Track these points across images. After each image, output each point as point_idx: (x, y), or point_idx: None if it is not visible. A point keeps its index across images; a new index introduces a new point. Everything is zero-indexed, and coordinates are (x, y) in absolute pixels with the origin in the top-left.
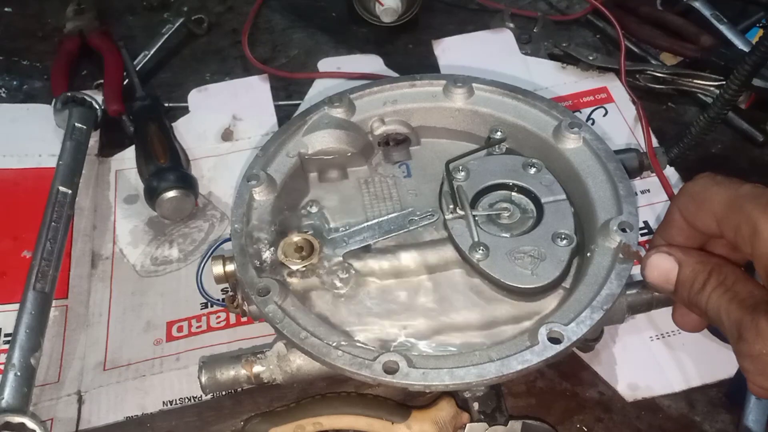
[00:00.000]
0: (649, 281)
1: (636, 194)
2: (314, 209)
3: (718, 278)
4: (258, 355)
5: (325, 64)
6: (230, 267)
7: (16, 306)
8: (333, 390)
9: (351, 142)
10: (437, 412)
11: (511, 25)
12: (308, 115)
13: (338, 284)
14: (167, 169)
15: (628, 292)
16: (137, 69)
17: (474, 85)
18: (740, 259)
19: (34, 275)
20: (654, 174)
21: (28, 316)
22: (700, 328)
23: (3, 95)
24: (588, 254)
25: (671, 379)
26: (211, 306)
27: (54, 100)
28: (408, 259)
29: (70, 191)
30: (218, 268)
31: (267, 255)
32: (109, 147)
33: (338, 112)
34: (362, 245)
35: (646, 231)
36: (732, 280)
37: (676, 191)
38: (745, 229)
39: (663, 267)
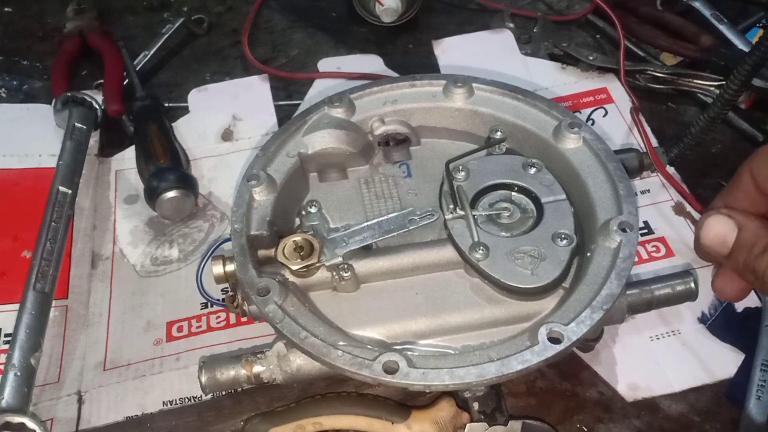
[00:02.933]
0: (703, 243)
1: (636, 194)
2: (314, 209)
3: None
4: (258, 355)
5: (325, 64)
6: (230, 267)
7: (16, 306)
8: (333, 390)
9: (351, 142)
10: (437, 412)
11: (511, 25)
12: (308, 115)
13: (338, 284)
14: (167, 169)
15: (628, 292)
16: (137, 69)
17: (474, 85)
18: None
19: (34, 275)
20: (654, 174)
21: (28, 316)
22: (742, 296)
23: (3, 95)
24: (588, 254)
25: (671, 379)
26: (211, 306)
27: (54, 100)
28: (408, 259)
29: (70, 191)
30: (218, 268)
31: (267, 255)
32: (109, 147)
33: (338, 112)
34: (362, 245)
35: (646, 231)
36: None
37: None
38: None
39: (721, 229)
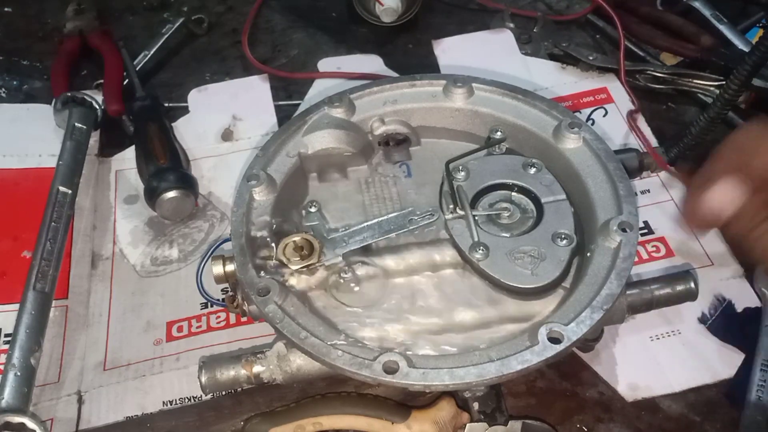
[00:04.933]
0: (707, 206)
1: (636, 194)
2: (314, 209)
3: None
4: (258, 355)
5: (325, 64)
6: (230, 267)
7: (16, 306)
8: (333, 390)
9: (351, 142)
10: (437, 412)
11: (511, 25)
12: (308, 115)
13: (338, 284)
14: (167, 169)
15: (628, 292)
16: (137, 69)
17: (474, 85)
18: None
19: (34, 275)
20: (654, 174)
21: (28, 316)
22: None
23: (3, 95)
24: (588, 254)
25: (671, 379)
26: (211, 306)
27: (54, 100)
28: (408, 259)
29: (70, 191)
30: (218, 268)
31: (267, 255)
32: (109, 147)
33: (338, 112)
34: (362, 245)
35: (646, 231)
36: None
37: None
38: None
39: (731, 194)
